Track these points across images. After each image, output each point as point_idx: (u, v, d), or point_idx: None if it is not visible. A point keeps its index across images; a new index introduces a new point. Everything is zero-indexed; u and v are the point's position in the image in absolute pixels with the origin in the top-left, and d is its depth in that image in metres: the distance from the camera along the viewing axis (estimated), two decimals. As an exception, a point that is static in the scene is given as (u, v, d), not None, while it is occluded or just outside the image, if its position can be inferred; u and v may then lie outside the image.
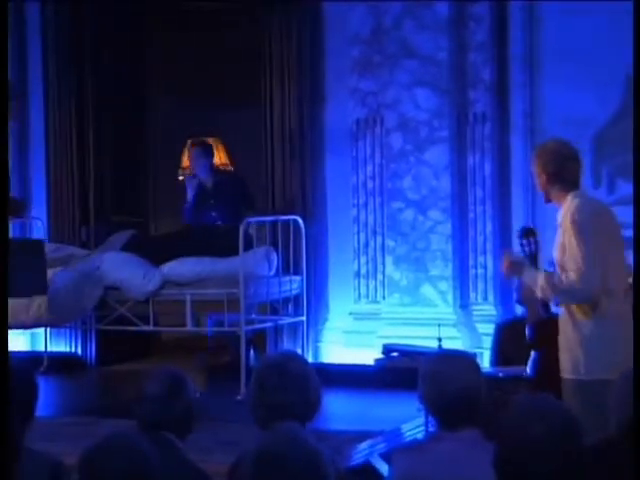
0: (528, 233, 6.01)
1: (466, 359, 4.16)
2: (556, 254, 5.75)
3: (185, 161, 11.89)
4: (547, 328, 5.97)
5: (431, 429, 6.36)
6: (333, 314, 9.29)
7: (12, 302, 8.22)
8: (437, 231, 8.83)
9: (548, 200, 5.87)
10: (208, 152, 9.68)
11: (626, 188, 7.78)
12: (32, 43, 10.15)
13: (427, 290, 8.84)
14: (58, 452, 4.60)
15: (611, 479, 3.81)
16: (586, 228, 5.66)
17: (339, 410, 7.33)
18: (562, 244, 5.73)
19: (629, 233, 6.10)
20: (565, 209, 5.74)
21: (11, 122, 9.35)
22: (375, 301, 9.14)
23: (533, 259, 5.95)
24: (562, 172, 5.78)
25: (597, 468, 3.45)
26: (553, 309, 6.09)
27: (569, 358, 5.71)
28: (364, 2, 9.03)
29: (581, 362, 5.66)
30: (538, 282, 5.73)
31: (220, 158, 11.84)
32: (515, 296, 7.89)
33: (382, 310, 9.03)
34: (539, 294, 5.81)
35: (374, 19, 9.01)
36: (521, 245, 5.96)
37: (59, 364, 9.37)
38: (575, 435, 3.20)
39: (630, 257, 6.10)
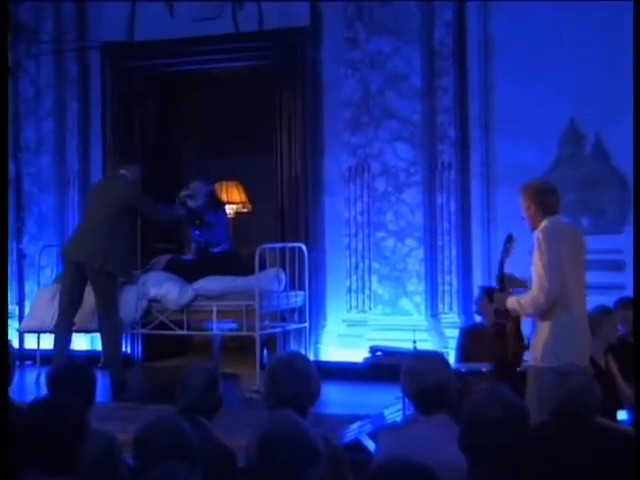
0: (511, 239, 5.99)
1: (439, 358, 4.15)
2: (532, 269, 5.73)
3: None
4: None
5: (407, 413, 6.34)
6: (330, 321, 9.26)
7: (80, 312, 8.21)
8: (412, 255, 8.83)
9: (534, 228, 5.78)
10: None
11: (565, 220, 7.67)
12: (94, 102, 10.22)
13: (404, 302, 8.83)
14: (112, 430, 4.59)
15: (546, 453, 3.86)
16: (547, 244, 5.62)
17: (334, 398, 7.30)
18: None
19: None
20: (538, 230, 5.74)
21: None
22: (363, 311, 9.11)
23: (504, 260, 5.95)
24: (546, 202, 5.76)
25: (536, 445, 3.47)
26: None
27: (534, 350, 5.74)
28: (355, 74, 9.07)
29: (539, 354, 5.69)
30: (512, 305, 5.79)
31: (240, 197, 11.88)
32: (474, 307, 7.92)
33: (369, 318, 9.01)
34: (516, 313, 5.84)
35: (363, 88, 9.03)
36: (505, 248, 5.94)
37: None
38: (523, 418, 3.22)
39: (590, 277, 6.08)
